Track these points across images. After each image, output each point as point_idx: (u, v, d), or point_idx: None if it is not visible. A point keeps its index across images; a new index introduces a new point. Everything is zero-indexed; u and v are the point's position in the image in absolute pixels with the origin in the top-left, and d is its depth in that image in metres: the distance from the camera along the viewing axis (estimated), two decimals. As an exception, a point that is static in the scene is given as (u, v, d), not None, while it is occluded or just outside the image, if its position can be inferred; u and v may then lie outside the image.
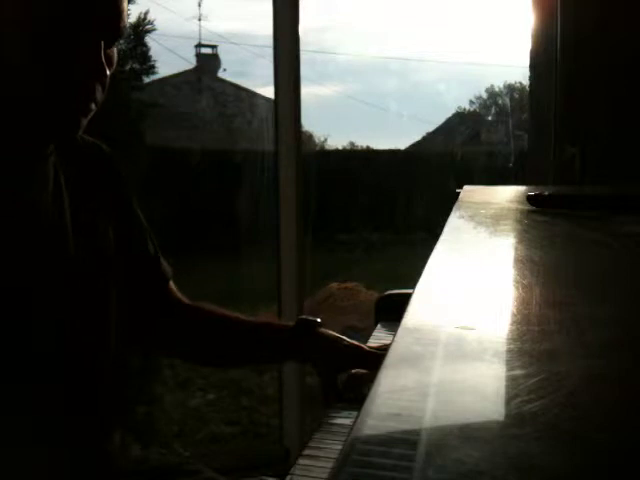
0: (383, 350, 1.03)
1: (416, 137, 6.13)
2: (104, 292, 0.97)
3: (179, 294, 1.16)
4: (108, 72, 0.86)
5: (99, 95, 0.86)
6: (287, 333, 1.12)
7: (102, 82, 0.86)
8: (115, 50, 0.88)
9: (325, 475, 0.85)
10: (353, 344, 1.10)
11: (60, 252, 0.91)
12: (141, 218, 1.10)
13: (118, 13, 0.85)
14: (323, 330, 1.12)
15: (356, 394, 1.05)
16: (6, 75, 0.83)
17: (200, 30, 5.54)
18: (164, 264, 1.13)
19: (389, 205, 5.50)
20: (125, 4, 0.86)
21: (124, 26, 0.87)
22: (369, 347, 1.12)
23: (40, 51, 0.82)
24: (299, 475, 0.88)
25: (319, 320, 1.13)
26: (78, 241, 0.93)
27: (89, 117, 0.87)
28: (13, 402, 0.85)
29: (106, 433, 0.99)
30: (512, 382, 0.44)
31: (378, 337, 1.39)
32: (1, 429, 0.83)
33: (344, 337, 1.12)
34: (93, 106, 0.86)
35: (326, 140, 6.20)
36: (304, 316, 1.15)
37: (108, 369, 0.98)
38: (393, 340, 0.56)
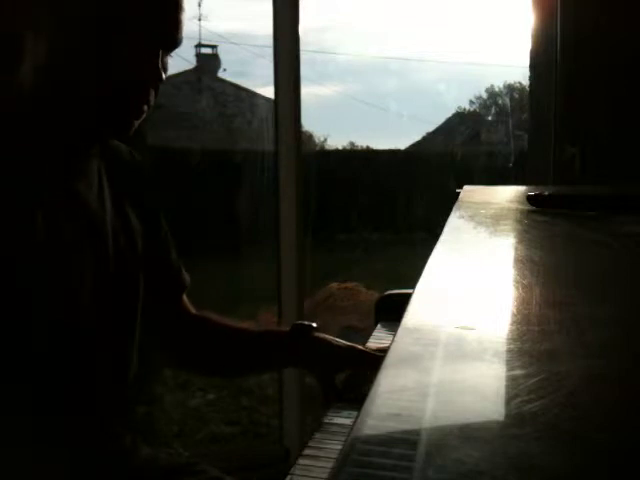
0: (381, 352, 1.03)
1: (416, 137, 6.13)
2: (134, 295, 0.99)
3: (189, 304, 1.17)
4: (164, 78, 0.90)
5: (152, 99, 0.89)
6: (284, 339, 1.13)
7: (156, 87, 0.89)
8: (168, 58, 0.92)
9: (325, 475, 0.85)
10: (349, 345, 1.11)
11: (100, 253, 0.93)
12: (166, 225, 1.12)
13: (177, 24, 0.89)
14: (318, 334, 1.12)
15: (356, 394, 1.05)
16: (66, 73, 0.85)
17: (200, 30, 5.54)
18: (184, 273, 1.15)
19: (389, 205, 5.50)
20: (183, 16, 0.90)
21: (181, 36, 0.90)
22: (366, 348, 1.13)
23: (102, 54, 0.84)
24: (299, 475, 0.88)
25: (314, 325, 1.13)
26: (116, 243, 0.95)
27: (141, 119, 0.90)
28: (38, 401, 0.85)
29: (110, 434, 0.99)
30: (512, 382, 0.44)
31: (378, 337, 1.39)
32: (1, 429, 0.83)
33: (339, 339, 1.13)
34: (146, 108, 0.89)
35: (326, 140, 6.20)
36: (299, 321, 1.15)
37: (123, 369, 0.99)
38: (393, 340, 0.56)
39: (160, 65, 0.88)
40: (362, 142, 6.19)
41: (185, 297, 1.17)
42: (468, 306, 0.65)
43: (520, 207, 1.24)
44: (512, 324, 0.57)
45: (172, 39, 0.90)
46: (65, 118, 0.88)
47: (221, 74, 5.72)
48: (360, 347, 1.12)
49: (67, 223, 0.89)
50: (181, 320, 1.16)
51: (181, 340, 1.18)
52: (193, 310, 1.18)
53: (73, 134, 0.90)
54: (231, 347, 1.17)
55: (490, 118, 6.51)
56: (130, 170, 1.05)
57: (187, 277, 1.16)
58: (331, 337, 1.13)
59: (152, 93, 0.89)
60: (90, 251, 0.92)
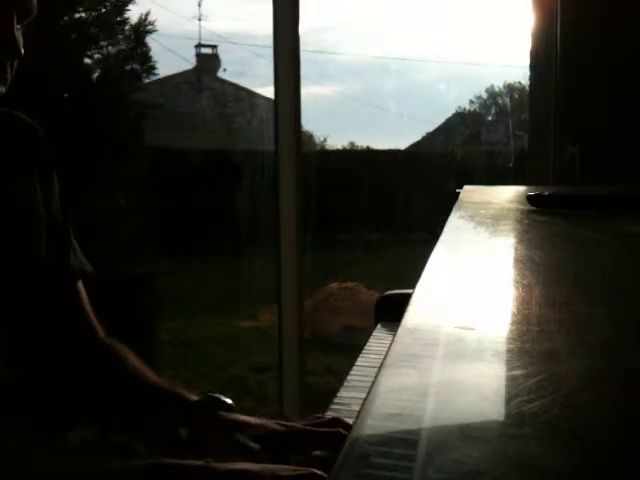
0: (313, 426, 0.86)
1: (416, 137, 6.12)
2: (26, 275, 0.89)
3: (92, 317, 0.99)
4: (22, 51, 0.80)
5: (9, 76, 0.80)
6: (192, 409, 0.90)
7: (13, 62, 0.80)
8: (20, 31, 0.82)
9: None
10: (271, 428, 0.86)
11: None
12: (57, 195, 0.97)
13: None
14: (228, 416, 0.88)
15: None
16: None
17: (200, 30, 5.55)
18: (74, 262, 0.98)
19: (389, 205, 5.50)
20: None
21: (35, 4, 0.82)
22: (292, 425, 0.88)
23: None
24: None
25: (230, 402, 0.91)
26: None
27: None
28: None
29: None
30: (512, 382, 0.44)
31: (378, 337, 1.39)
32: None
33: (254, 423, 0.87)
34: (3, 89, 0.80)
35: (326, 140, 6.20)
36: (214, 394, 0.92)
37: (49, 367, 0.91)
38: (393, 340, 0.56)
39: (16, 35, 0.78)
40: (362, 142, 6.19)
41: (87, 304, 0.98)
42: (468, 306, 0.65)
43: (520, 207, 1.24)
44: (512, 324, 0.57)
45: (23, 4, 0.80)
46: None
47: (221, 74, 5.72)
48: (284, 426, 0.87)
49: None
50: (74, 326, 0.97)
51: (69, 354, 0.96)
52: (100, 331, 0.99)
53: None
54: (124, 392, 0.95)
55: (490, 118, 6.50)
56: (9, 138, 0.93)
57: (83, 266, 0.98)
58: (245, 421, 0.88)
59: (8, 70, 0.79)
60: None
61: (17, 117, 0.94)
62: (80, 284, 0.98)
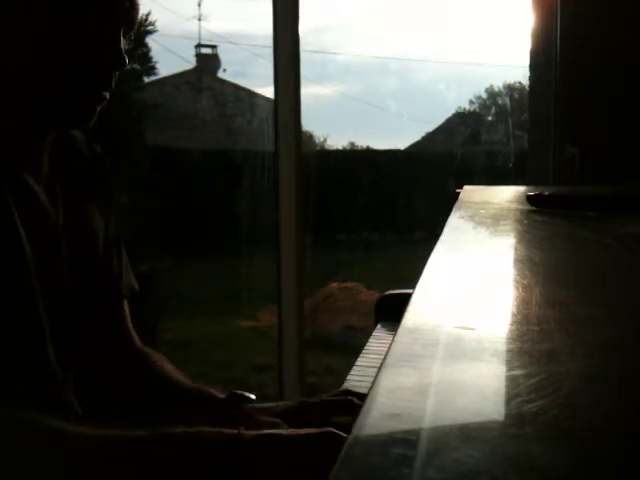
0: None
1: (416, 137, 6.12)
2: (84, 295, 0.93)
3: (132, 330, 1.05)
4: (127, 62, 0.86)
5: (113, 84, 0.85)
6: (220, 405, 0.96)
7: (119, 71, 0.86)
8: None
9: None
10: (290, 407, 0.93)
11: (51, 251, 0.87)
12: (116, 224, 1.03)
13: (137, 4, 0.87)
14: (251, 407, 0.95)
15: None
16: (22, 57, 0.81)
17: (200, 30, 5.55)
18: (129, 280, 1.05)
19: (389, 205, 5.50)
20: None
21: (138, 16, 0.88)
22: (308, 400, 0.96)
23: (60, 36, 0.81)
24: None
25: (252, 396, 0.97)
26: (69, 241, 0.90)
27: (102, 106, 0.86)
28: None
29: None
30: (512, 382, 0.44)
31: (378, 337, 1.39)
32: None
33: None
34: (107, 95, 0.85)
35: (326, 140, 6.20)
36: (237, 391, 0.99)
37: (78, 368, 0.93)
38: (393, 340, 0.56)
39: (123, 47, 0.84)
40: (362, 142, 6.19)
41: (129, 320, 1.04)
42: (468, 306, 0.65)
43: (520, 207, 1.24)
44: (512, 324, 0.57)
45: (132, 20, 0.86)
46: (19, 105, 0.83)
47: (221, 74, 5.72)
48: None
49: (18, 213, 0.81)
50: (117, 339, 1.03)
51: (110, 368, 1.02)
52: (137, 341, 1.05)
53: (25, 122, 0.85)
54: (160, 398, 1.01)
55: (490, 118, 6.50)
56: (86, 163, 0.98)
57: (133, 284, 1.04)
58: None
59: (114, 78, 0.85)
60: (39, 249, 0.84)
61: (92, 146, 1.00)
62: (125, 303, 1.05)
